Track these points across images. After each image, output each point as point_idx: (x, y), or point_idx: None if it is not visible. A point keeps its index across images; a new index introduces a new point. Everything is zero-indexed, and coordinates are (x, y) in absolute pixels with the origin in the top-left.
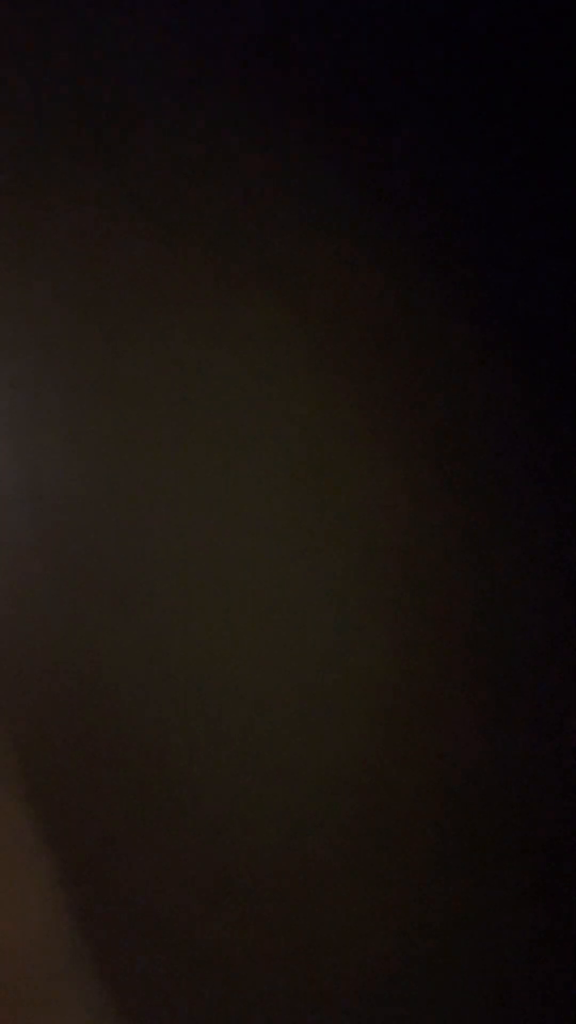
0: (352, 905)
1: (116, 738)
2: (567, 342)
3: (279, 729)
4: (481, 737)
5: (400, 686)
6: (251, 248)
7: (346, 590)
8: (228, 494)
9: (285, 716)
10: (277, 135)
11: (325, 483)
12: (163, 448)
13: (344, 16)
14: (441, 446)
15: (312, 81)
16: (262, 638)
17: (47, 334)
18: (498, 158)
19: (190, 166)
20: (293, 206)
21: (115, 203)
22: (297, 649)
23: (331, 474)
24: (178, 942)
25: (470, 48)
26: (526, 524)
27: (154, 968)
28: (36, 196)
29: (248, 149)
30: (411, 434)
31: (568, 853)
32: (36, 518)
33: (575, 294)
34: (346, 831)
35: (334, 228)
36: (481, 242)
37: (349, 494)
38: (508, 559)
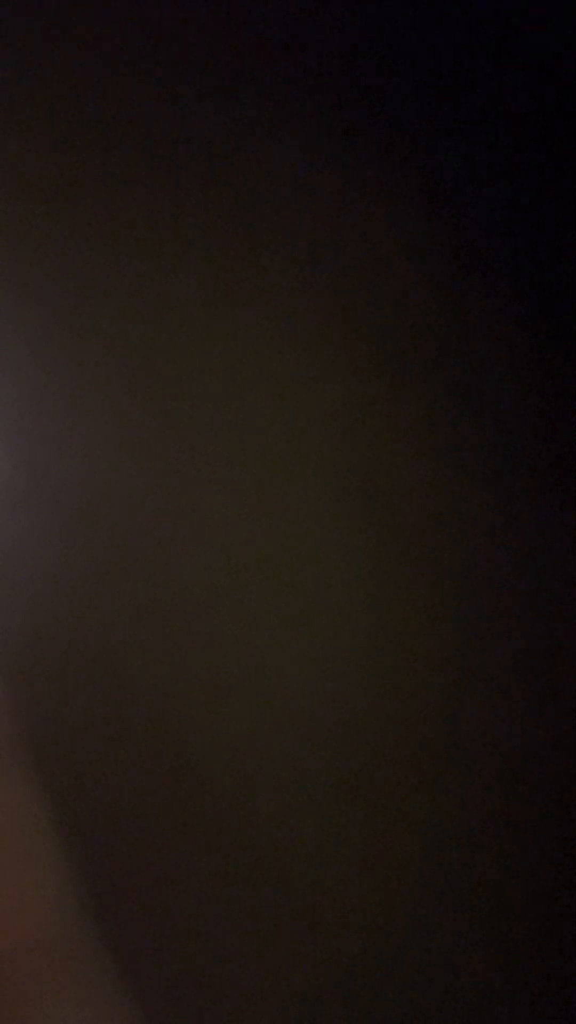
0: (356, 888)
1: (125, 730)
2: None
3: (289, 718)
4: (498, 720)
5: (416, 677)
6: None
7: (367, 576)
8: (241, 476)
9: (294, 704)
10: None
11: (347, 474)
12: (178, 434)
13: None
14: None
15: (319, 43)
16: (275, 624)
17: (67, 334)
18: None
19: (195, 137)
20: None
21: (119, 182)
22: (310, 633)
23: (356, 465)
24: (184, 933)
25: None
26: (555, 512)
27: (161, 959)
28: (38, 180)
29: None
30: (435, 422)
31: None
32: (45, 504)
33: None
34: (352, 819)
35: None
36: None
37: (375, 481)
38: (540, 545)
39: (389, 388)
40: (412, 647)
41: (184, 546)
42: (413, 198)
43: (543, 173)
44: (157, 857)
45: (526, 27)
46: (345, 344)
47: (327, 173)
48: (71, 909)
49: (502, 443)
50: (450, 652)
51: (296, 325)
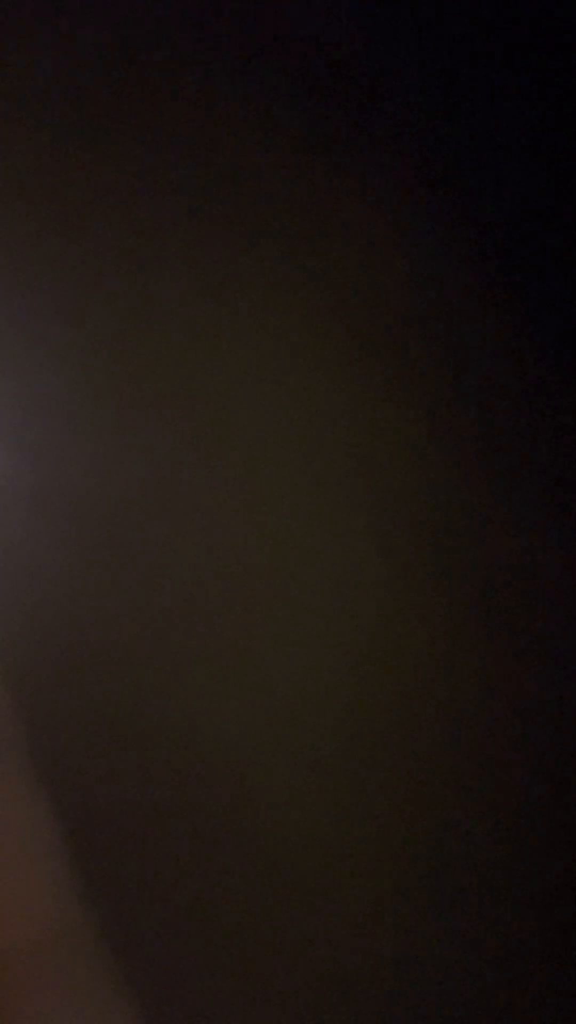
0: (358, 882)
1: (128, 728)
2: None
3: (290, 714)
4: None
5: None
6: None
7: (358, 568)
8: (241, 472)
9: (295, 699)
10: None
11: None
12: (178, 432)
13: None
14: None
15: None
16: (275, 618)
17: (61, 330)
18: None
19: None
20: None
21: (117, 180)
22: (312, 627)
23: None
24: (187, 931)
25: None
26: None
27: (163, 956)
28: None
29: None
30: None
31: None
32: (46, 504)
33: None
34: (350, 811)
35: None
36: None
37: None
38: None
39: (387, 381)
40: (412, 640)
41: (185, 542)
42: (412, 194)
43: (543, 165)
44: (159, 855)
45: (526, 23)
46: (343, 339)
47: (325, 167)
48: (72, 908)
49: (499, 433)
50: (450, 643)
51: (295, 322)
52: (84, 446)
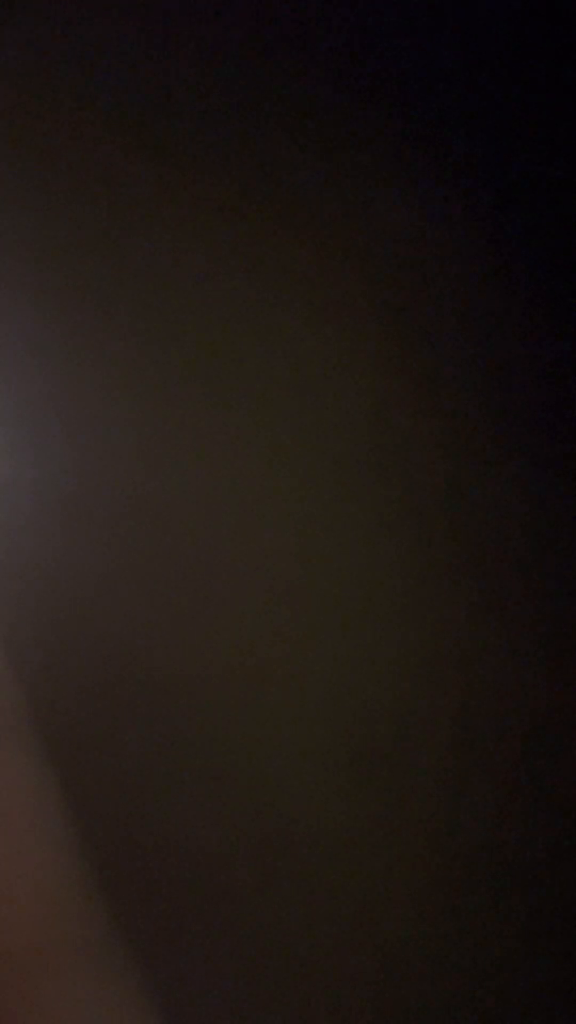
0: (371, 871)
1: (137, 720)
2: None
3: (298, 699)
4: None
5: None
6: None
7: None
8: (244, 449)
9: (302, 683)
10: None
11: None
12: (178, 406)
13: None
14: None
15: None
16: (280, 599)
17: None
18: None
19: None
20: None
21: (124, 158)
22: (317, 608)
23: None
24: (193, 925)
25: None
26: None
27: (165, 932)
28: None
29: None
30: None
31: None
32: (48, 488)
33: None
34: (360, 800)
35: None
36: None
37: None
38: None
39: (396, 353)
40: (423, 622)
41: (189, 521)
42: (416, 156)
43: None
44: (165, 856)
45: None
46: (348, 309)
47: (325, 135)
48: (75, 910)
49: (507, 402)
50: (464, 624)
51: (297, 295)
52: (86, 433)
